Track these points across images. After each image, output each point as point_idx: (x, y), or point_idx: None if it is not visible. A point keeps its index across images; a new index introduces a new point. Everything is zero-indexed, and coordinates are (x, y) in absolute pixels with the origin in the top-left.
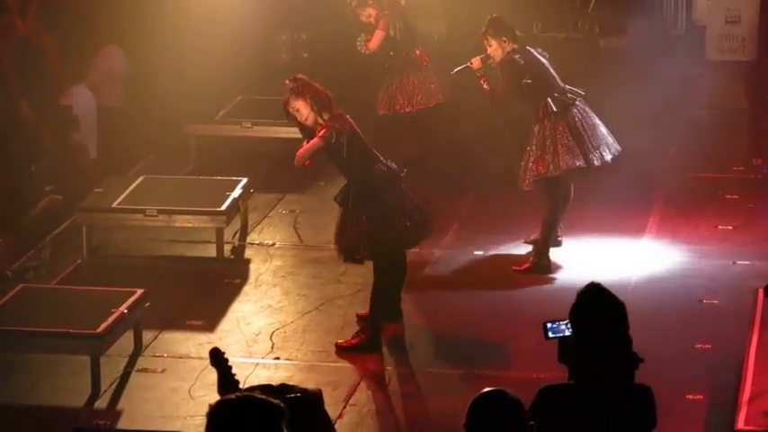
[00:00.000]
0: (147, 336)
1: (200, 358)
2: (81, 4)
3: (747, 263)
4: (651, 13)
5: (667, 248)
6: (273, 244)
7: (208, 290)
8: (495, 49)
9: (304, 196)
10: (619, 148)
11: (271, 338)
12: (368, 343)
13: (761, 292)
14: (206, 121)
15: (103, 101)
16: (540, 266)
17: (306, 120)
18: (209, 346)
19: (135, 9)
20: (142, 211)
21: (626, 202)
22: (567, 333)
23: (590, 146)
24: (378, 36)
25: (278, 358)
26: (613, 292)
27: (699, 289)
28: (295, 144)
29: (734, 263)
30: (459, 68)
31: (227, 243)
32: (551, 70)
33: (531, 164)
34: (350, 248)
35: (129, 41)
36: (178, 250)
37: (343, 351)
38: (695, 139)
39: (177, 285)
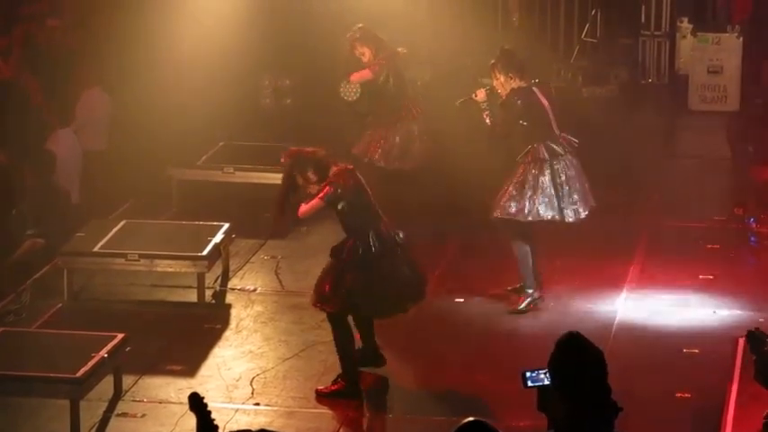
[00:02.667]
0: (127, 380)
1: (180, 403)
2: (65, 48)
3: (728, 312)
4: (634, 62)
5: (648, 297)
6: (255, 289)
7: (188, 335)
8: (501, 83)
9: (286, 242)
10: (594, 203)
11: (251, 384)
12: (348, 389)
13: (741, 341)
14: (188, 166)
15: (86, 144)
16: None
17: (313, 188)
18: (190, 392)
19: (119, 53)
20: (123, 256)
21: (607, 250)
22: (546, 382)
23: (568, 200)
24: (362, 75)
25: (258, 404)
26: (594, 340)
27: (679, 338)
28: (275, 189)
29: (714, 312)
30: (462, 100)
31: (209, 288)
32: (551, 115)
33: (504, 202)
34: (324, 298)
35: (112, 85)
36: (159, 295)
37: (323, 397)
38: (677, 187)
39: (158, 330)
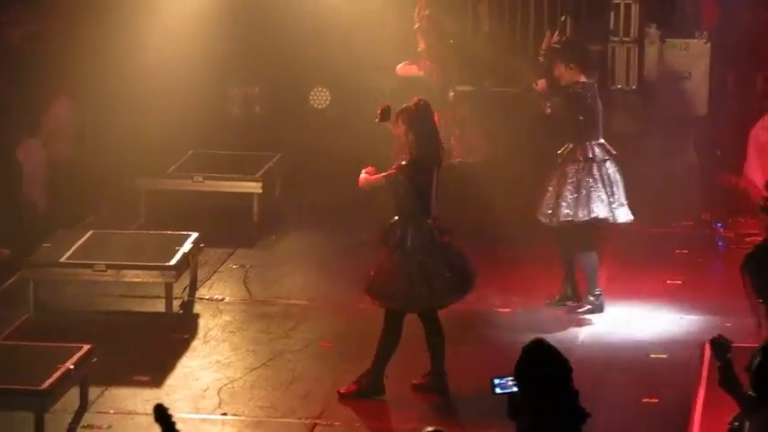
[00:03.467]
0: (93, 392)
1: (147, 414)
2: (32, 57)
3: (695, 317)
4: (603, 68)
5: (616, 302)
6: (223, 299)
7: (156, 345)
8: (561, 72)
9: (254, 250)
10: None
11: (218, 394)
12: (368, 389)
13: (708, 346)
14: (157, 175)
15: (54, 155)
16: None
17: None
18: (157, 402)
19: (87, 62)
20: (90, 266)
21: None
22: (515, 389)
23: (618, 201)
24: (410, 70)
25: (225, 414)
26: (562, 347)
27: (647, 343)
28: (246, 198)
29: (682, 317)
30: (525, 87)
31: (177, 298)
32: (601, 116)
33: (559, 206)
34: (369, 285)
35: (80, 94)
36: (127, 305)
37: (346, 398)
38: (645, 192)
39: (125, 341)
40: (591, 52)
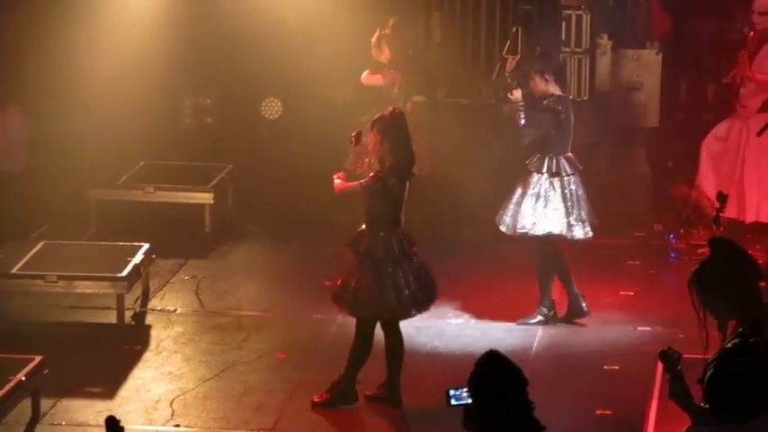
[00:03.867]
0: (45, 403)
1: (99, 426)
2: None
3: (648, 329)
4: None
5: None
6: (175, 310)
7: (108, 356)
8: (536, 84)
9: (207, 261)
10: (596, 221)
11: (171, 405)
12: (339, 397)
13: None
14: (108, 186)
15: (4, 166)
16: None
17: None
18: (109, 414)
19: (36, 72)
20: (42, 277)
21: (528, 267)
22: (470, 400)
23: (577, 217)
24: (374, 79)
25: (178, 425)
26: (515, 358)
27: (600, 355)
28: (196, 209)
29: (635, 329)
30: (501, 95)
31: (128, 309)
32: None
33: (516, 216)
34: (336, 293)
35: (30, 105)
36: (78, 316)
37: (319, 407)
38: (597, 204)
39: (77, 352)
40: (561, 65)
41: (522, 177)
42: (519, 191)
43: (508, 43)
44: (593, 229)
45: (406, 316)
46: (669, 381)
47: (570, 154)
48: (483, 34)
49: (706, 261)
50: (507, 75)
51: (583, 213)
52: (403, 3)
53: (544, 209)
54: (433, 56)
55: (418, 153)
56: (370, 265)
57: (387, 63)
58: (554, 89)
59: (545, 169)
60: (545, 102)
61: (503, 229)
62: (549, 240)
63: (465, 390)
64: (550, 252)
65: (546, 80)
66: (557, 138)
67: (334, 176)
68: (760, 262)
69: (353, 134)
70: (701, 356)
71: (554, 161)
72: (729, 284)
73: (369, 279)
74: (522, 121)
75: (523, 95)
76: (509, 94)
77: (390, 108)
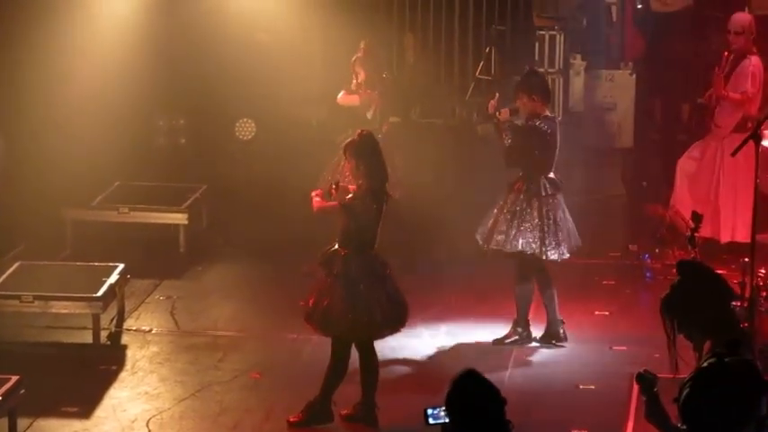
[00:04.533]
0: (22, 423)
1: None
2: None
3: (624, 348)
4: None
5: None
6: (150, 330)
7: (84, 376)
8: (524, 103)
9: (181, 282)
10: (579, 242)
11: (147, 425)
12: (318, 416)
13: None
14: (83, 207)
15: None
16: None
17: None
18: None
19: (10, 92)
20: (18, 297)
21: (502, 286)
22: (447, 419)
23: (553, 238)
24: (350, 99)
25: None
26: (490, 377)
27: (575, 374)
28: (171, 230)
29: (610, 348)
30: (484, 116)
31: (104, 329)
32: (557, 150)
33: (494, 232)
34: (308, 312)
35: (4, 125)
36: (54, 336)
37: (296, 427)
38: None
39: (53, 372)
40: (547, 85)
41: (504, 194)
42: (498, 207)
43: (482, 64)
44: (571, 252)
45: (378, 336)
46: (645, 402)
47: (552, 175)
48: (456, 54)
49: (675, 285)
50: (495, 119)
51: (560, 235)
52: (377, 23)
53: (520, 227)
54: (406, 76)
55: (392, 175)
56: (343, 285)
57: (362, 84)
58: (541, 109)
59: (524, 188)
60: (531, 123)
61: (479, 241)
62: (526, 259)
63: (443, 409)
64: (537, 273)
65: (533, 100)
66: (540, 158)
67: (313, 194)
68: (734, 282)
69: (333, 185)
70: (676, 376)
71: (534, 181)
72: (700, 306)
73: (341, 299)
74: (509, 141)
75: (511, 112)
76: (497, 113)
77: (359, 131)
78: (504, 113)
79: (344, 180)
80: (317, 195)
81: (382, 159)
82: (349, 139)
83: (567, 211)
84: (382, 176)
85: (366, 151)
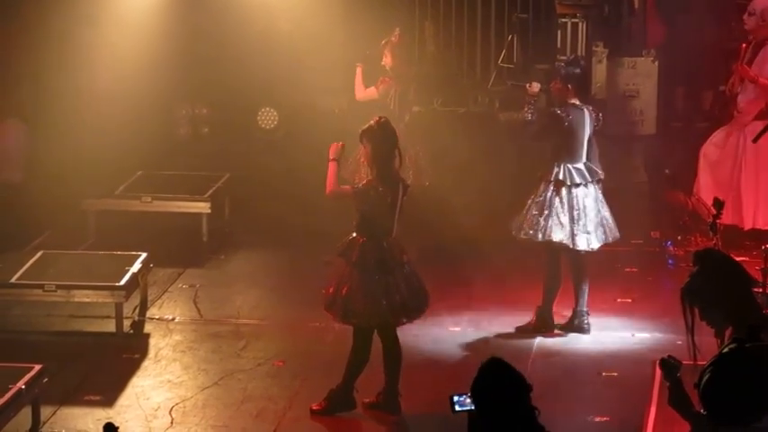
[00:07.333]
0: (45, 412)
1: None
2: None
3: (646, 335)
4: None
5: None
6: (173, 319)
7: (107, 365)
8: (558, 89)
9: (204, 270)
10: (617, 234)
11: (170, 413)
12: (341, 403)
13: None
14: (106, 196)
15: (3, 177)
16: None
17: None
18: (107, 421)
19: (35, 83)
20: (41, 287)
21: (525, 274)
22: (473, 406)
23: (582, 228)
24: (369, 94)
25: None
26: (513, 364)
27: (598, 361)
28: (195, 218)
29: (633, 335)
30: (516, 83)
31: (127, 318)
32: (586, 140)
33: (524, 221)
34: (327, 301)
35: (28, 115)
36: (77, 326)
37: (318, 415)
38: None
39: (76, 361)
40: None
41: (535, 186)
42: (530, 198)
43: (504, 52)
44: (605, 243)
45: (397, 323)
46: (668, 388)
47: (581, 165)
48: (478, 42)
49: (695, 273)
50: (530, 106)
51: (590, 225)
52: (398, 13)
53: (547, 217)
54: (428, 65)
55: (418, 164)
56: (361, 273)
57: (388, 71)
58: (573, 98)
59: (551, 178)
60: (551, 109)
61: (513, 233)
62: (555, 248)
63: (468, 396)
64: (571, 263)
65: (567, 88)
66: (560, 147)
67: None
68: (756, 268)
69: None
70: (700, 363)
71: (561, 170)
72: (722, 292)
73: (360, 287)
74: (529, 116)
75: (542, 90)
76: (528, 85)
77: (376, 117)
78: (534, 87)
79: (362, 166)
80: (335, 145)
81: (396, 147)
82: (367, 125)
83: (603, 201)
84: (394, 164)
85: (380, 138)
